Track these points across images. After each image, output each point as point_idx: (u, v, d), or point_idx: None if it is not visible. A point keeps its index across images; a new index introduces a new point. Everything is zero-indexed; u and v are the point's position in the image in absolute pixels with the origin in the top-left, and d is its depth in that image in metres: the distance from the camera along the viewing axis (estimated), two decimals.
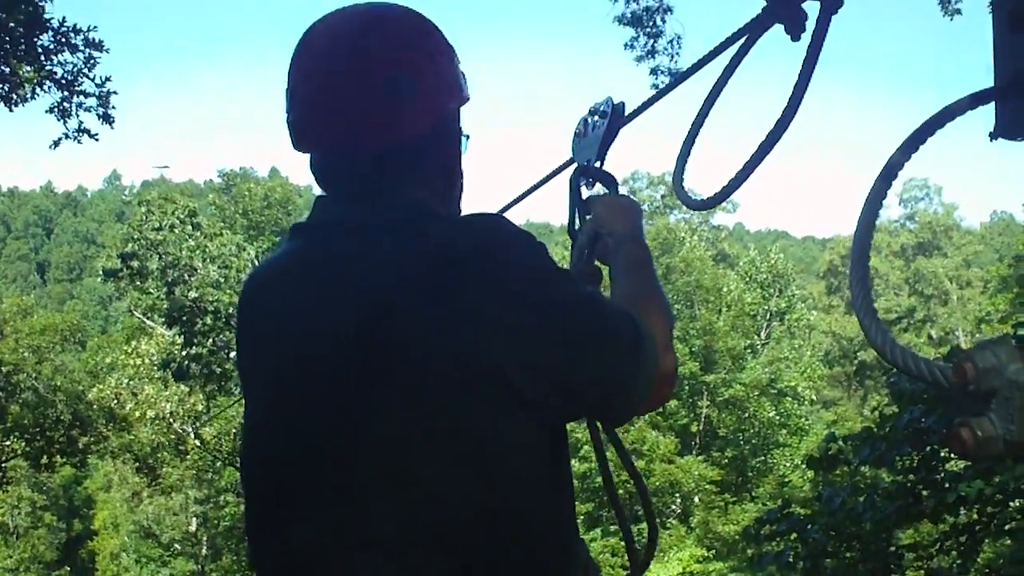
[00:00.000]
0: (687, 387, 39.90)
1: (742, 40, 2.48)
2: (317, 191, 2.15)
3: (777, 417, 40.36)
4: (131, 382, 34.49)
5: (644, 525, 2.54)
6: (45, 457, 31.14)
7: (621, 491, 2.69)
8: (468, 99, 2.16)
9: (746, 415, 39.94)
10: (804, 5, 2.27)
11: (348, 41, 2.03)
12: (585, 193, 2.65)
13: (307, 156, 2.14)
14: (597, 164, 2.67)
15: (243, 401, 2.16)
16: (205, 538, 40.21)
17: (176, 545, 41.26)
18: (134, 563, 42.26)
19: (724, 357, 40.29)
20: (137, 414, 33.78)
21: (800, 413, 41.91)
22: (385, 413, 1.79)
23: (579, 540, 2.04)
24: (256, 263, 33.99)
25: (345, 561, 1.83)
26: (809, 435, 39.69)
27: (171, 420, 34.77)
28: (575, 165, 2.73)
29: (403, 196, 2.03)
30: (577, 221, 2.63)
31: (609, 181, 2.65)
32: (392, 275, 1.83)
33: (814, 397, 45.10)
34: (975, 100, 1.62)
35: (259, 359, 2.08)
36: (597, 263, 2.49)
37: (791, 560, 12.61)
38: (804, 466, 31.97)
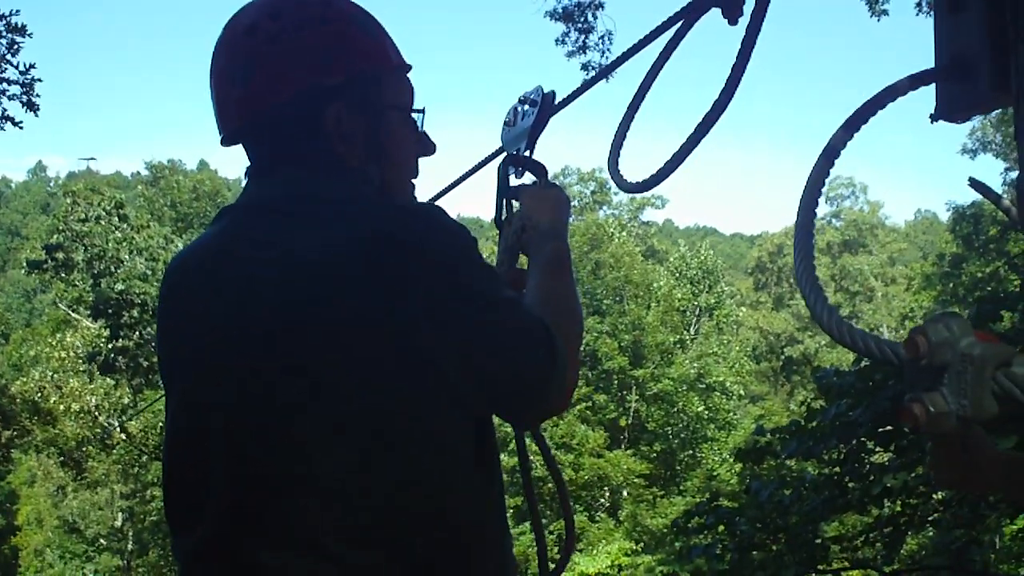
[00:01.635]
0: (616, 381, 40.05)
1: (678, 25, 2.49)
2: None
3: (705, 412, 40.59)
4: (56, 375, 34.01)
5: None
6: None
7: (549, 486, 2.67)
8: (357, 73, 2.07)
9: (675, 409, 40.12)
10: None
11: (226, 33, 2.13)
12: (515, 182, 2.65)
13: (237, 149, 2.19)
14: (527, 153, 2.66)
15: (165, 392, 2.14)
16: (131, 533, 39.67)
17: (101, 540, 40.63)
18: (58, 559, 41.51)
19: (653, 352, 40.47)
20: (62, 407, 33.33)
21: (728, 408, 42.20)
22: (308, 397, 1.80)
23: (506, 530, 2.04)
24: None
25: (257, 549, 1.82)
26: (737, 429, 39.96)
27: (97, 414, 34.33)
28: (505, 154, 2.72)
29: (297, 173, 2.03)
30: (504, 211, 2.64)
31: (539, 170, 2.64)
32: (322, 257, 1.83)
33: (742, 392, 45.40)
34: (915, 81, 1.64)
35: (181, 346, 2.07)
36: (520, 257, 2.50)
37: (719, 552, 12.71)
38: (732, 460, 32.33)
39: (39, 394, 33.21)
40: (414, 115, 2.21)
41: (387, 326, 1.78)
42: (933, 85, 1.66)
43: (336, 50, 2.05)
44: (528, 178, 2.65)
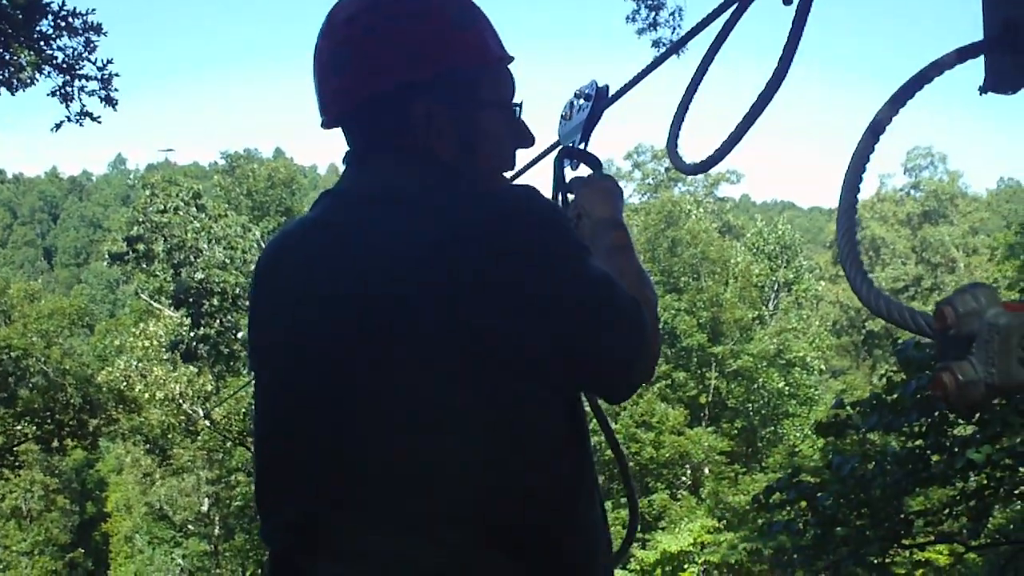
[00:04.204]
0: (695, 358, 39.88)
1: (734, 7, 2.48)
2: (321, 171, 2.17)
3: (786, 387, 40.24)
4: (140, 364, 34.41)
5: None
6: (56, 440, 31.19)
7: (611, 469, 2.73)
8: (459, 65, 2.10)
9: (755, 386, 39.84)
10: None
11: (328, 21, 2.17)
12: (570, 175, 2.69)
13: (318, 136, 2.22)
14: (581, 146, 2.72)
15: (255, 375, 2.16)
16: (217, 518, 40.20)
17: (189, 526, 41.24)
18: (147, 544, 42.30)
19: (732, 328, 40.20)
20: (147, 396, 33.66)
21: (809, 383, 41.76)
22: (403, 383, 1.83)
23: (598, 509, 2.05)
24: (261, 243, 34.22)
25: (356, 533, 1.86)
26: (819, 405, 39.49)
27: (180, 401, 34.75)
28: (561, 147, 2.76)
29: (387, 165, 2.07)
30: (560, 203, 2.66)
31: (593, 162, 2.69)
32: (419, 242, 1.86)
33: (823, 367, 44.94)
34: (963, 54, 1.62)
35: (274, 328, 2.10)
36: None
37: (801, 528, 12.63)
38: (814, 435, 32.09)
39: (124, 383, 33.53)
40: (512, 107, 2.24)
41: (481, 312, 1.81)
42: (982, 57, 1.65)
43: (430, 45, 2.08)
44: (584, 171, 2.68)
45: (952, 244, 61.63)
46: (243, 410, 33.26)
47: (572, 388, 2.01)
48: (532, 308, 1.83)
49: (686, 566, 31.27)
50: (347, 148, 2.19)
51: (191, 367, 34.30)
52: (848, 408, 12.54)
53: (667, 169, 54.99)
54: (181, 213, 34.22)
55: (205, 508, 40.61)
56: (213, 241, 33.68)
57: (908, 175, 67.60)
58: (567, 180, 2.67)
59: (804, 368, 41.68)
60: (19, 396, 29.82)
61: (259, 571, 35.15)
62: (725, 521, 32.94)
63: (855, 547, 12.29)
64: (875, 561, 14.48)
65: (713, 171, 56.48)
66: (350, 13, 2.11)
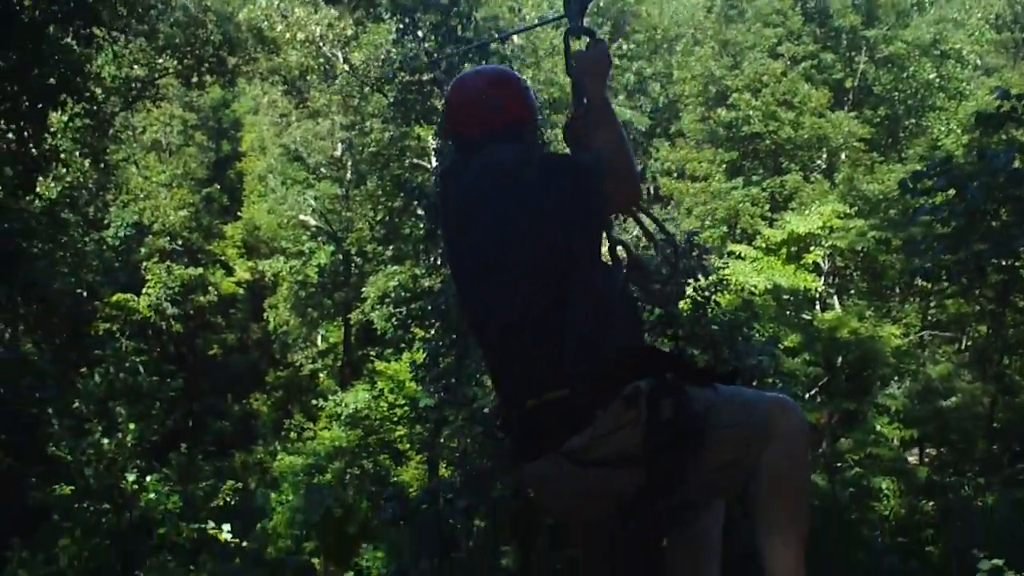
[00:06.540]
0: (845, 40, 38.35)
1: None
2: None
3: (937, 79, 38.61)
4: (281, 4, 34.15)
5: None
6: (196, 76, 31.36)
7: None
8: (535, 116, 3.95)
9: (904, 74, 38.26)
10: None
11: (475, 85, 3.97)
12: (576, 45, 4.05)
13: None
14: (582, 18, 4.08)
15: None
16: (350, 163, 40.57)
17: (322, 168, 41.64)
18: (280, 184, 42.98)
19: (888, 12, 38.35)
20: (287, 36, 33.59)
21: (961, 77, 39.97)
22: (496, 221, 3.58)
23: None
24: None
25: (497, 288, 3.60)
26: (968, 100, 37.95)
27: (320, 43, 34.62)
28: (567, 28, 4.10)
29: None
30: (568, 67, 4.04)
31: (589, 34, 4.08)
32: (506, 161, 3.70)
33: (978, 62, 43.02)
34: None
35: (446, 210, 3.88)
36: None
37: (945, 216, 12.29)
38: (960, 131, 31.07)
39: (265, 22, 33.41)
40: None
41: (527, 188, 3.58)
42: None
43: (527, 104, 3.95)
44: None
45: None
46: (381, 56, 32.88)
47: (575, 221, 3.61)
48: (543, 193, 3.54)
49: (812, 248, 30.96)
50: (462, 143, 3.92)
51: (332, 10, 33.93)
52: (1013, 101, 11.95)
53: None
54: None
55: (339, 152, 41.05)
56: None
57: None
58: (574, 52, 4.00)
59: (959, 61, 39.86)
60: (160, 31, 29.81)
61: (387, 217, 35.82)
62: (856, 208, 32.29)
63: (996, 242, 11.95)
64: (1015, 261, 14.13)
65: None
66: (501, 79, 3.96)
